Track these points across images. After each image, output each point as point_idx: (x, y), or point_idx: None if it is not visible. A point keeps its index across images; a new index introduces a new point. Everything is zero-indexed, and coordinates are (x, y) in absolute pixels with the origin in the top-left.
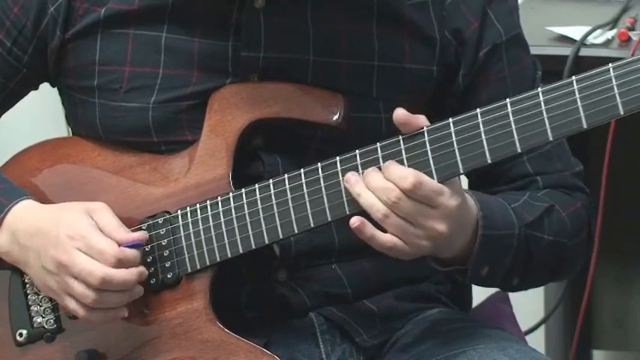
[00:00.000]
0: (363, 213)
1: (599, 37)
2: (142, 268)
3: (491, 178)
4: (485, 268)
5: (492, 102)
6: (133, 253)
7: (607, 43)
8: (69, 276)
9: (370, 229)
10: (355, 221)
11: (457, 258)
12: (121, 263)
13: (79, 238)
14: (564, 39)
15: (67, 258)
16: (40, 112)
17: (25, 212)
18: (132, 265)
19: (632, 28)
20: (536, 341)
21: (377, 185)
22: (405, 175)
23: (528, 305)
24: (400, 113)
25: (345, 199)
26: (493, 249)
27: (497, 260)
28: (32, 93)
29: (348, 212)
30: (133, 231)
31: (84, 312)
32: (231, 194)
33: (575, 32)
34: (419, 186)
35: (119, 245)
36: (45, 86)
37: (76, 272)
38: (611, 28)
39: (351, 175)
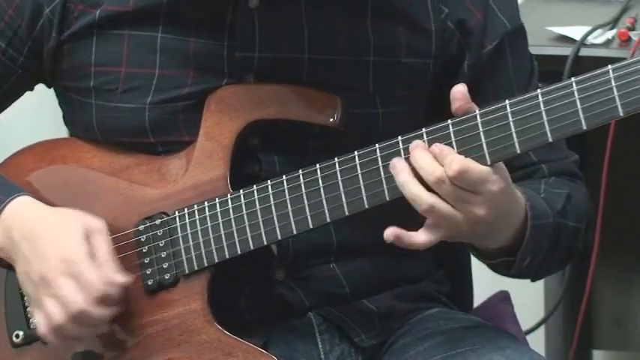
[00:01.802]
0: (361, 214)
1: (599, 37)
2: (115, 309)
3: None
4: (528, 258)
5: (496, 93)
6: (116, 294)
7: (607, 43)
8: (47, 295)
9: (407, 238)
10: (389, 236)
11: (504, 249)
12: (102, 301)
13: (69, 262)
14: (564, 39)
15: (52, 278)
16: (39, 113)
17: (21, 209)
18: (111, 305)
19: (632, 28)
20: (536, 341)
21: (424, 164)
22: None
23: (528, 305)
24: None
25: (344, 200)
26: (538, 239)
27: (538, 250)
28: (32, 93)
29: (347, 213)
30: (130, 233)
31: (45, 329)
32: (229, 196)
33: (575, 32)
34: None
35: None
36: (43, 86)
37: (57, 295)
38: (611, 28)
39: (397, 162)
